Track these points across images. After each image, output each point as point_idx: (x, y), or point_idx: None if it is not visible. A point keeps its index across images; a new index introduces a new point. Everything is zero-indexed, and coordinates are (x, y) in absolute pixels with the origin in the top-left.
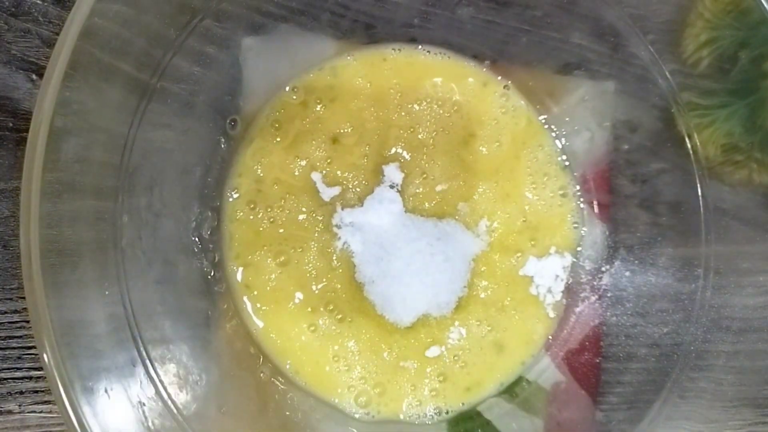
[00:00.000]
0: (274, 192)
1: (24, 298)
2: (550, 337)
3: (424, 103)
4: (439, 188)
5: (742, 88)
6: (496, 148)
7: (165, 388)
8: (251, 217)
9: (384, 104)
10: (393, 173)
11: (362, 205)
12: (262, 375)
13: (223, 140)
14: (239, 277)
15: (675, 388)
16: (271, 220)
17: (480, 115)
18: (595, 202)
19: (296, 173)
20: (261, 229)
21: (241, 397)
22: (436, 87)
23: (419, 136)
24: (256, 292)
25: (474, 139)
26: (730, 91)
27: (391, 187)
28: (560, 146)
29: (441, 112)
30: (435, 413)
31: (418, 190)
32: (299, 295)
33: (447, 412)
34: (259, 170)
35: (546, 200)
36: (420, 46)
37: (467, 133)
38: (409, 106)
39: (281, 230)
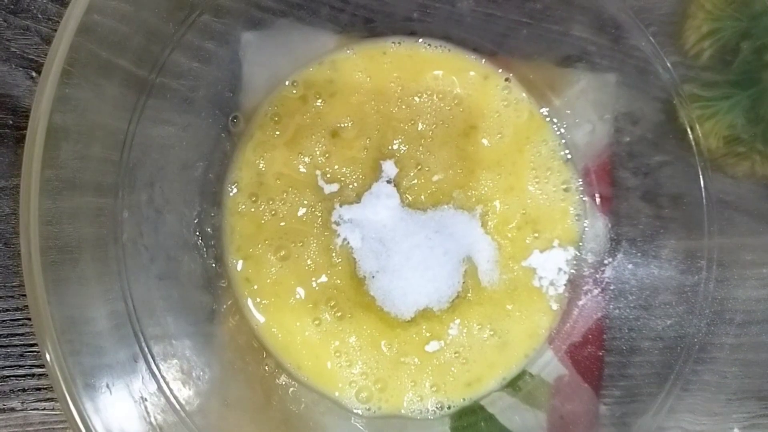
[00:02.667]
0: (276, 185)
1: (26, 295)
2: (553, 330)
3: (425, 96)
4: (439, 181)
5: (744, 79)
6: (499, 140)
7: (167, 384)
8: (252, 209)
9: (384, 98)
10: (391, 168)
11: (360, 202)
12: (266, 368)
13: (223, 135)
14: (239, 270)
15: (678, 381)
16: (273, 212)
17: (481, 107)
18: (597, 195)
19: (296, 168)
20: (262, 221)
21: (245, 391)
22: (437, 80)
23: (419, 129)
24: (256, 286)
25: (475, 131)
26: (732, 82)
27: (389, 182)
28: (562, 140)
29: (442, 105)
30: (437, 408)
31: (416, 184)
32: (300, 290)
33: (449, 407)
34: (261, 164)
35: (549, 194)
36: (420, 39)
37: (468, 126)
38: (410, 98)
39: (282, 223)
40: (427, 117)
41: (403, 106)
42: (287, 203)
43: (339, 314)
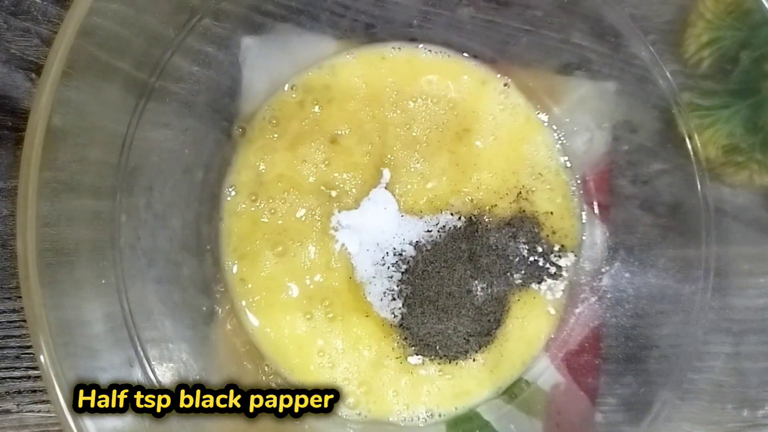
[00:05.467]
0: (276, 188)
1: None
2: (551, 337)
3: (420, 101)
4: (435, 188)
5: (743, 88)
6: (492, 141)
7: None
8: (252, 209)
9: (379, 103)
10: (388, 174)
11: (358, 207)
12: (267, 368)
13: (222, 139)
14: (235, 272)
15: (675, 390)
16: (272, 211)
17: (477, 111)
18: (595, 203)
19: (295, 171)
20: (261, 220)
21: None
22: (431, 84)
23: (414, 134)
24: (250, 285)
25: (469, 134)
26: (731, 91)
27: (386, 188)
28: (560, 146)
29: (436, 109)
30: (427, 416)
31: (414, 191)
32: (294, 286)
33: (440, 415)
34: (261, 167)
35: (546, 201)
36: (420, 45)
37: (462, 129)
38: (405, 103)
39: (280, 222)
40: (422, 122)
41: (399, 111)
42: (287, 203)
43: (330, 315)
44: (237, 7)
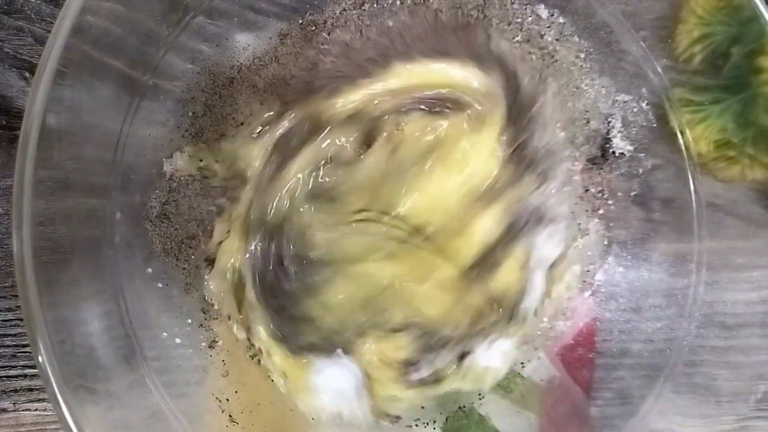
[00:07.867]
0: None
1: (18, 295)
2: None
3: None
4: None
5: (734, 83)
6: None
7: (160, 385)
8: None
9: None
10: None
11: None
12: (266, 369)
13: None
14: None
15: (668, 383)
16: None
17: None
18: None
19: None
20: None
21: (241, 393)
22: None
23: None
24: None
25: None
26: (722, 86)
27: None
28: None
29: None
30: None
31: None
32: None
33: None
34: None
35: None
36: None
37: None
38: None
39: None
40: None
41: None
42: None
43: None
44: (230, 5)
